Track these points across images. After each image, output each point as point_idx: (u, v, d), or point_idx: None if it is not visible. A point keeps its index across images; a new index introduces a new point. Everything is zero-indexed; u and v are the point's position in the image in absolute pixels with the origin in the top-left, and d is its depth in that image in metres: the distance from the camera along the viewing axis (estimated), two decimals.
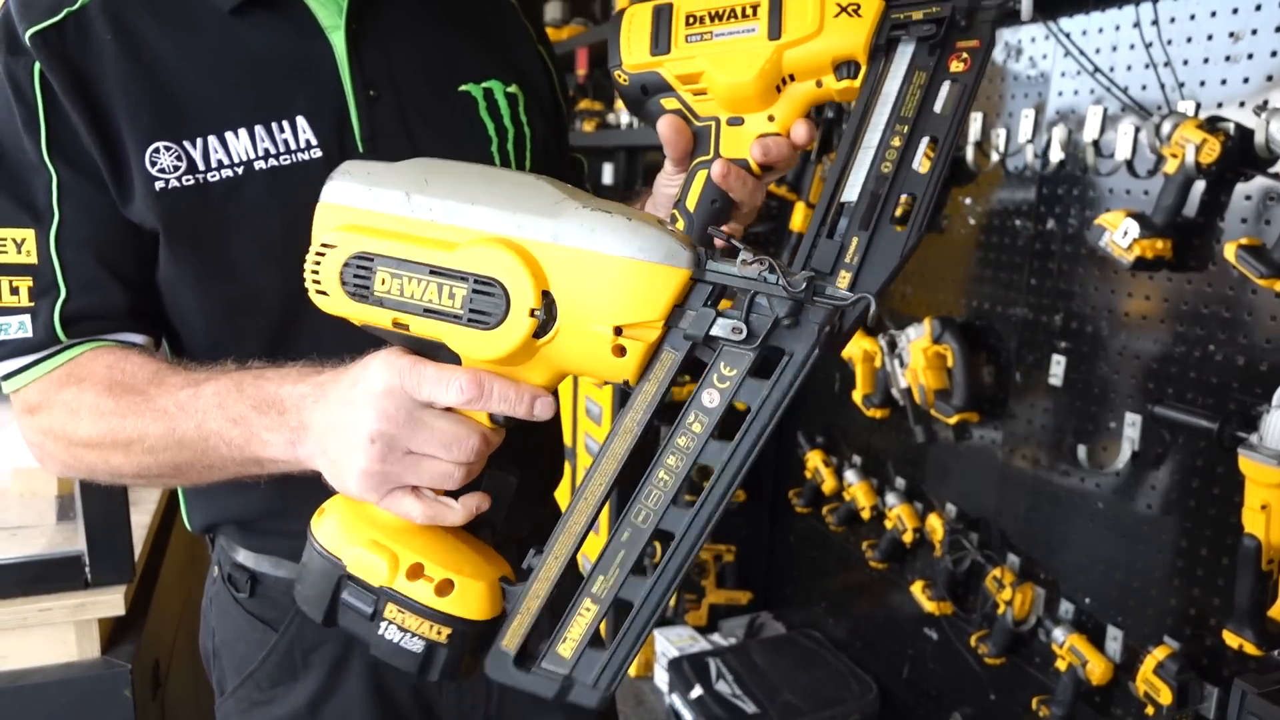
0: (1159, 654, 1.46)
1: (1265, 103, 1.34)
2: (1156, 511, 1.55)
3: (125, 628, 1.27)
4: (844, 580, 2.45)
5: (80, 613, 1.20)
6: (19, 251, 0.75)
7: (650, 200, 0.88)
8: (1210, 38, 1.42)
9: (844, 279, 0.61)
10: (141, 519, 1.40)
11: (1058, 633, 1.67)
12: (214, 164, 0.75)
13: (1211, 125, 1.36)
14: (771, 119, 0.70)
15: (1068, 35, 1.64)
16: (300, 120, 0.78)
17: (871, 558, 2.19)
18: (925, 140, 0.62)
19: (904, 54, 0.63)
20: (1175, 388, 1.50)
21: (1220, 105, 1.41)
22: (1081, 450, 1.65)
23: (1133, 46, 1.53)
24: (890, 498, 2.13)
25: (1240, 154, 1.33)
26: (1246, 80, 1.37)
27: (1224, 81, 1.40)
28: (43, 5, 0.75)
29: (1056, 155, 1.65)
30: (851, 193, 0.63)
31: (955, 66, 0.62)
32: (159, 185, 0.75)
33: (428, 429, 0.57)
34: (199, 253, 0.78)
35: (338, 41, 0.79)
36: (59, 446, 0.77)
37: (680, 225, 0.74)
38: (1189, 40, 1.45)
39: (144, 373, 0.75)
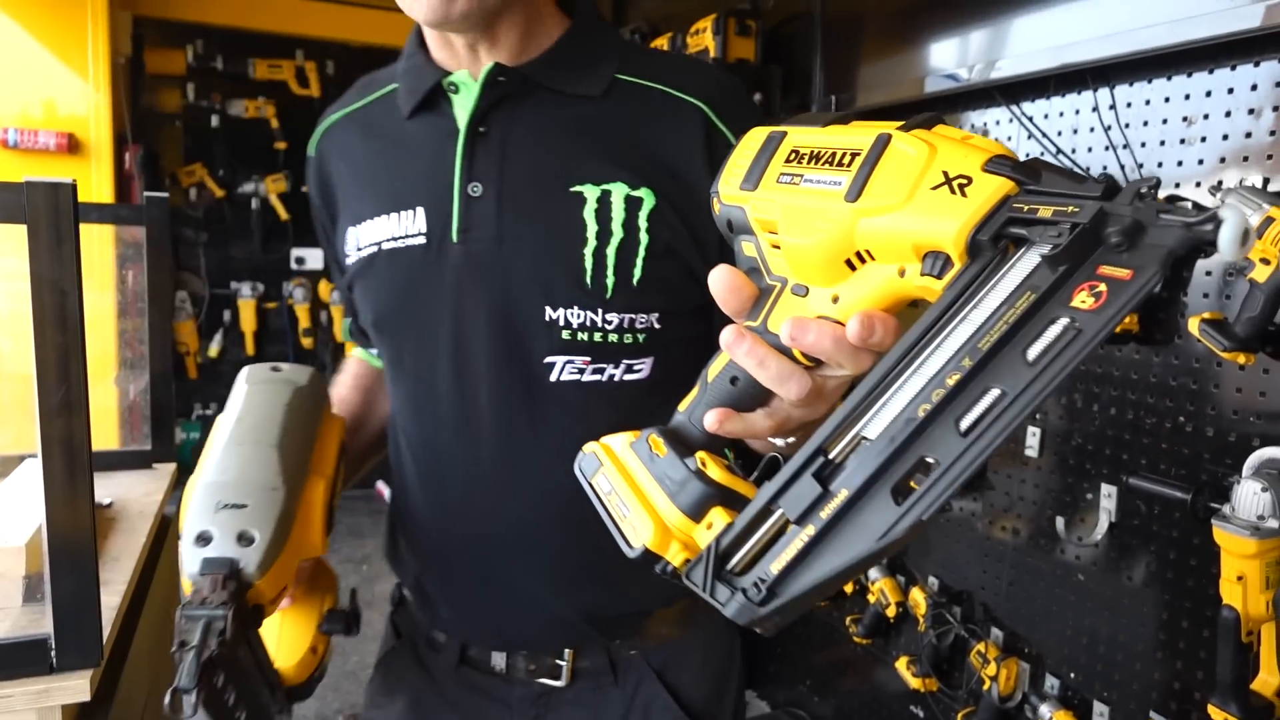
0: None
1: (1219, 183, 1.39)
2: (1137, 583, 1.55)
3: (90, 714, 1.23)
4: (828, 656, 2.42)
5: (44, 699, 1.16)
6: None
7: None
8: (1165, 121, 1.48)
9: (803, 536, 0.45)
10: (111, 600, 1.37)
11: (1044, 709, 1.65)
12: (365, 244, 0.93)
13: (1171, 204, 1.41)
14: (836, 300, 0.53)
15: (1030, 119, 1.71)
16: (419, 210, 0.90)
17: (855, 633, 2.17)
18: (991, 393, 0.42)
19: (1025, 262, 0.44)
20: (1149, 459, 1.52)
21: (1178, 185, 1.46)
22: (1060, 522, 1.65)
23: (1093, 130, 1.60)
24: (872, 571, 2.12)
25: None
26: (1201, 162, 1.43)
27: (1180, 163, 1.46)
28: (320, 121, 1.02)
29: None
30: (875, 427, 0.46)
31: (1081, 300, 0.41)
32: (347, 261, 0.97)
33: None
34: (361, 308, 0.99)
35: (460, 141, 0.88)
36: None
37: (694, 393, 0.61)
38: (1145, 124, 1.52)
39: (341, 386, 1.12)
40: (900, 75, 2.10)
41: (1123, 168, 1.54)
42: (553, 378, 0.87)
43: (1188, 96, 1.45)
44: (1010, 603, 1.81)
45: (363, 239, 0.93)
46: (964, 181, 0.46)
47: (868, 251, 0.51)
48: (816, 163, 0.54)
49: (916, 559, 2.07)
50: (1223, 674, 1.27)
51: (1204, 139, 1.43)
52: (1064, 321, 0.41)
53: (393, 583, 1.14)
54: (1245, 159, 1.37)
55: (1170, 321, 1.47)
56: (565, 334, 0.86)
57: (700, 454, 0.56)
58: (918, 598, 1.97)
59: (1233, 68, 1.38)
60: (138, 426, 2.12)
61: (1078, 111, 1.63)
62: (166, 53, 4.37)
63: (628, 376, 0.88)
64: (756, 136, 0.60)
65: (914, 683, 1.95)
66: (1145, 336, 1.49)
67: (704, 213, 0.84)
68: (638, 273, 0.85)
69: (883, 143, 0.51)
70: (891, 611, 2.05)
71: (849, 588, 2.20)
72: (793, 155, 0.56)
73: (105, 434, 2.14)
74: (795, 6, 2.45)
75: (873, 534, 0.43)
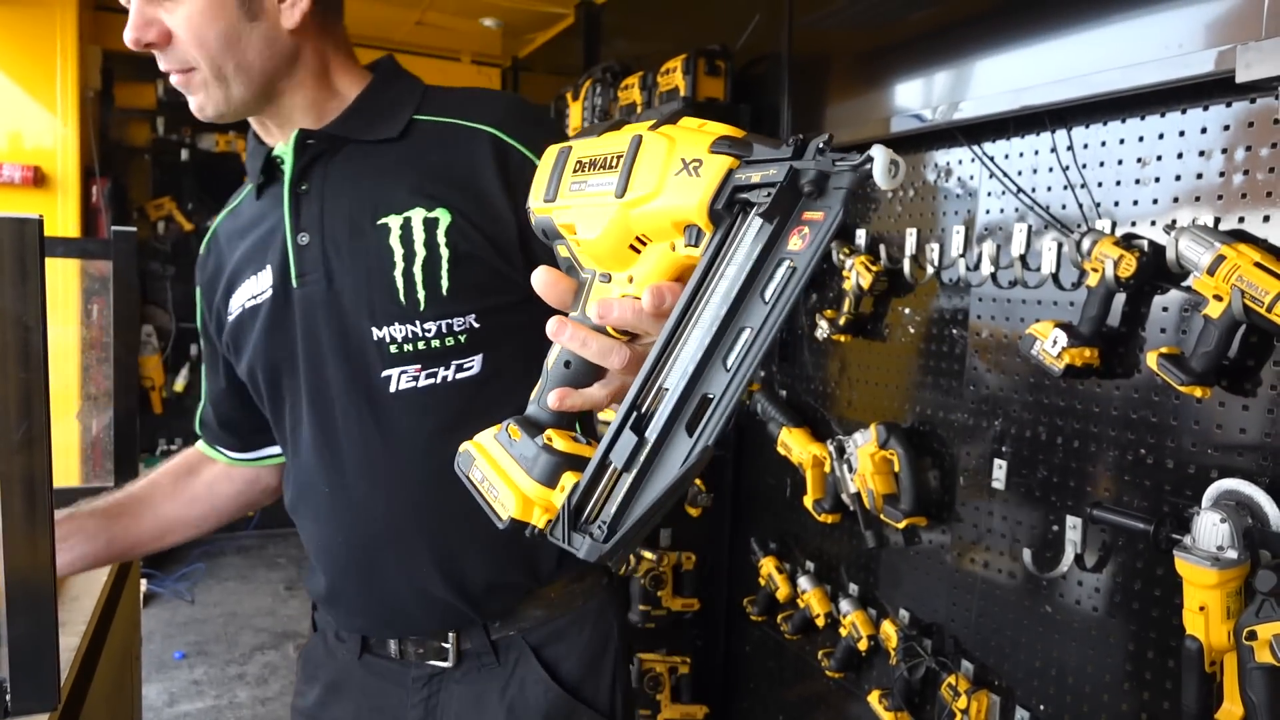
0: None
1: (1173, 221, 1.43)
2: (1102, 614, 1.57)
3: None
4: (801, 691, 2.41)
5: None
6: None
7: None
8: (1120, 162, 1.53)
9: (627, 479, 0.54)
10: (70, 641, 1.34)
11: None
12: (234, 309, 1.08)
13: (1127, 242, 1.45)
14: (631, 280, 0.63)
15: (991, 159, 1.76)
16: (267, 269, 1.03)
17: (828, 666, 2.17)
18: (745, 332, 0.52)
19: (754, 223, 0.53)
20: (1112, 491, 1.55)
21: (1134, 224, 1.50)
22: (1026, 554, 1.67)
23: (1051, 170, 1.64)
24: (844, 604, 2.12)
25: (1155, 269, 1.41)
26: (1155, 201, 1.47)
27: (1135, 202, 1.51)
28: (214, 220, 1.18)
29: (987, 268, 1.74)
30: (672, 379, 0.54)
31: (794, 243, 0.51)
32: (225, 331, 1.11)
33: None
34: (238, 365, 1.13)
35: (285, 201, 1.01)
36: None
37: (540, 383, 0.69)
38: (1102, 164, 1.56)
39: (158, 469, 1.27)
40: (866, 115, 2.15)
41: (1081, 206, 1.58)
42: (392, 389, 1.00)
43: (1141, 139, 1.50)
44: (980, 635, 1.82)
45: (234, 305, 1.08)
46: (697, 164, 0.56)
47: (645, 235, 0.61)
48: (595, 169, 0.63)
49: (887, 592, 2.08)
50: (1188, 704, 1.29)
51: (1158, 179, 1.47)
52: (787, 263, 0.51)
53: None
54: (1197, 199, 1.41)
55: (1130, 356, 1.51)
56: (393, 348, 0.99)
57: (548, 431, 0.65)
58: (889, 631, 1.97)
59: (1183, 111, 1.43)
60: (100, 462, 2.08)
61: (1036, 152, 1.68)
62: (136, 86, 4.37)
63: (460, 375, 1.00)
64: (550, 153, 0.69)
65: (886, 717, 1.95)
66: (1106, 371, 1.53)
67: (500, 221, 0.98)
68: (445, 282, 0.97)
69: (636, 143, 0.60)
70: (863, 645, 2.05)
71: (820, 622, 2.20)
72: (578, 165, 0.65)
73: (67, 470, 2.10)
74: (764, 47, 2.50)
75: (676, 464, 0.53)
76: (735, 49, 2.54)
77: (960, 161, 1.86)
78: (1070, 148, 1.60)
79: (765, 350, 0.51)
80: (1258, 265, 1.24)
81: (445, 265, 0.97)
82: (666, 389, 0.54)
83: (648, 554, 2.49)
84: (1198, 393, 1.34)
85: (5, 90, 3.60)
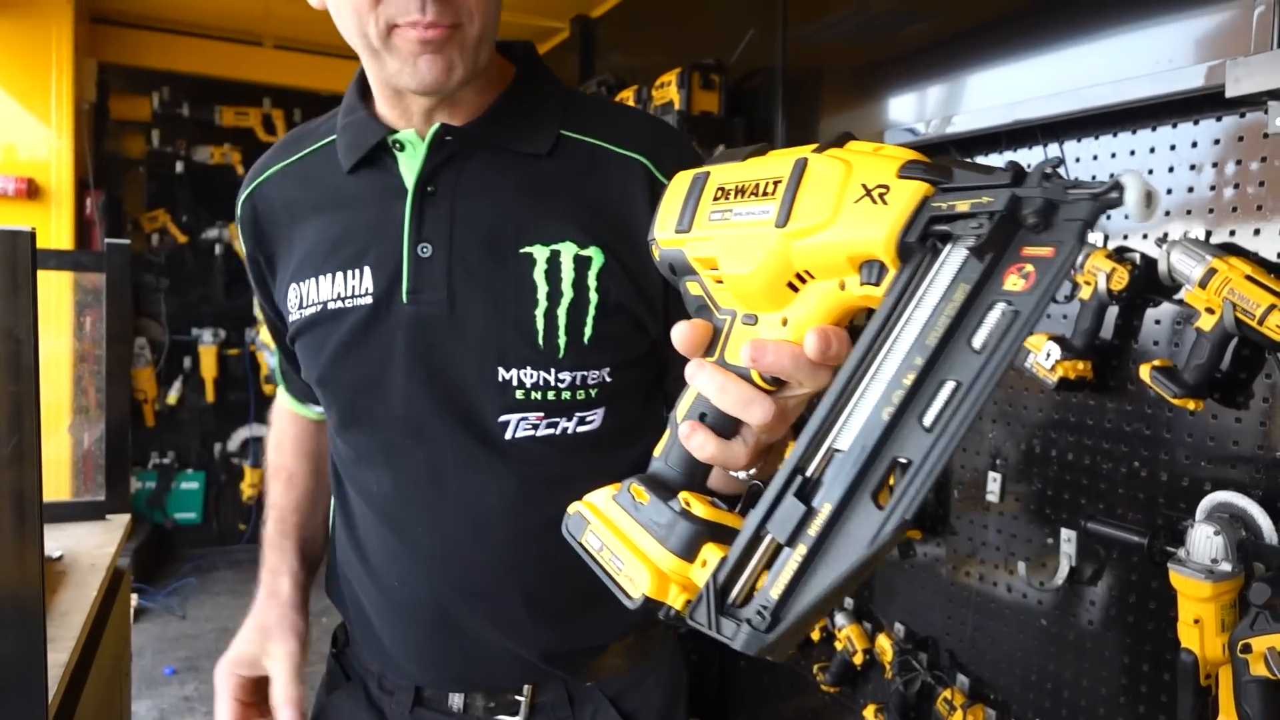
0: None
1: (1165, 235, 1.44)
2: (1098, 627, 1.57)
3: None
4: (796, 705, 2.40)
5: None
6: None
7: None
8: (1112, 177, 1.53)
9: (796, 556, 0.45)
10: (58, 657, 1.33)
11: None
12: (309, 302, 0.92)
13: (1119, 255, 1.46)
14: (785, 323, 0.55)
15: None
16: (366, 270, 0.89)
17: (823, 680, 2.16)
18: (948, 385, 0.43)
19: (954, 257, 0.45)
20: (1106, 503, 1.55)
21: (1126, 237, 1.51)
22: (1022, 567, 1.67)
23: None
24: (840, 618, 2.12)
25: (1147, 282, 1.42)
26: None
27: (1127, 215, 1.51)
28: (251, 174, 1.00)
29: None
30: (845, 438, 0.46)
31: (1012, 283, 0.43)
32: (290, 318, 0.95)
33: None
34: (304, 364, 0.97)
35: (409, 202, 0.87)
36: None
37: (666, 437, 0.61)
38: (1094, 178, 1.56)
39: (283, 452, 1.14)
40: (860, 128, 2.16)
41: None
42: (509, 435, 0.88)
43: (1133, 152, 1.51)
44: (975, 648, 1.82)
45: (307, 297, 0.92)
46: (883, 190, 0.48)
47: (807, 271, 0.52)
48: (743, 196, 0.55)
49: (882, 605, 2.07)
50: (1183, 717, 1.29)
51: None
52: (1001, 306, 0.43)
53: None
54: (1189, 212, 1.42)
55: (1123, 369, 1.51)
56: (519, 393, 0.87)
57: (683, 494, 0.56)
58: (884, 645, 1.97)
59: (1174, 125, 1.44)
60: (91, 476, 2.07)
61: (1029, 166, 1.68)
62: (132, 99, 4.37)
63: (580, 428, 0.90)
64: (682, 180, 0.61)
65: None
66: (1100, 383, 1.53)
67: (650, 266, 0.83)
68: (588, 331, 0.86)
69: (801, 166, 0.52)
70: (859, 659, 2.05)
71: (815, 635, 2.20)
72: (719, 192, 0.58)
73: (57, 484, 2.08)
74: (758, 61, 2.52)
75: (862, 541, 0.44)
76: (730, 63, 2.55)
77: None
78: (1061, 161, 1.61)
79: (978, 408, 0.42)
80: (1249, 278, 1.24)
81: (592, 312, 0.86)
82: (838, 450, 0.47)
83: None
84: (1190, 405, 1.34)
85: (0, 102, 3.60)
